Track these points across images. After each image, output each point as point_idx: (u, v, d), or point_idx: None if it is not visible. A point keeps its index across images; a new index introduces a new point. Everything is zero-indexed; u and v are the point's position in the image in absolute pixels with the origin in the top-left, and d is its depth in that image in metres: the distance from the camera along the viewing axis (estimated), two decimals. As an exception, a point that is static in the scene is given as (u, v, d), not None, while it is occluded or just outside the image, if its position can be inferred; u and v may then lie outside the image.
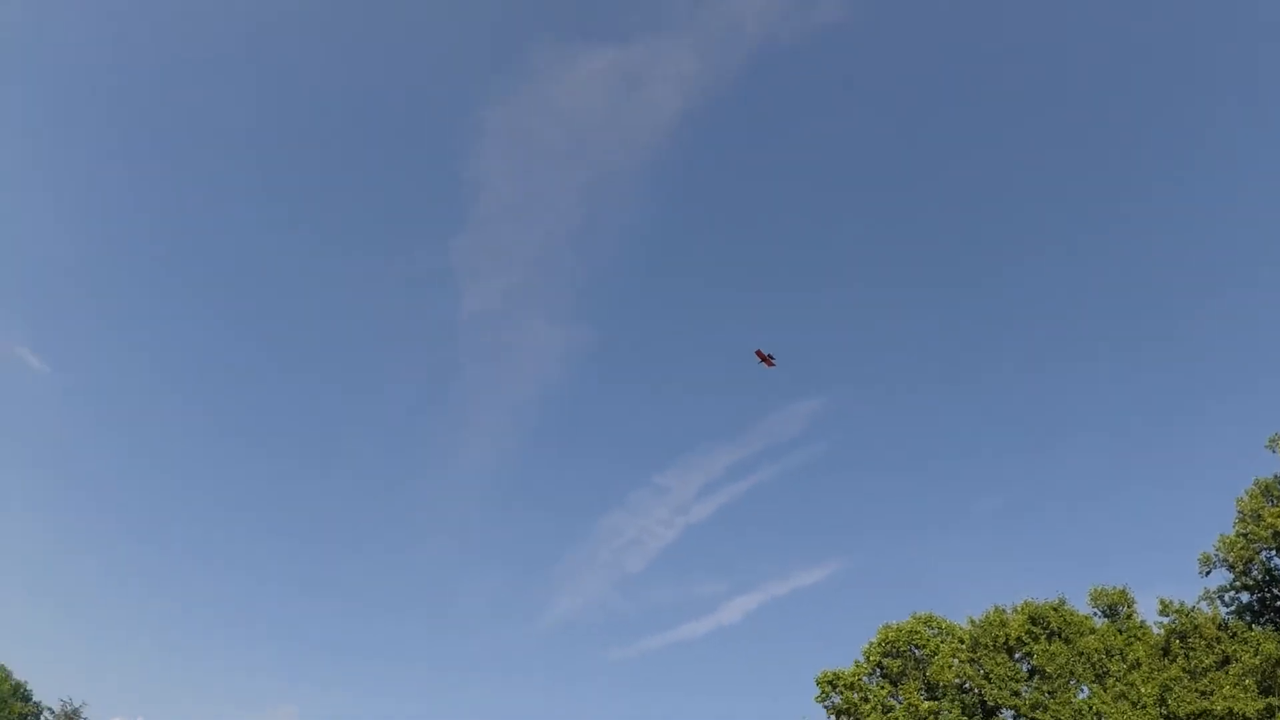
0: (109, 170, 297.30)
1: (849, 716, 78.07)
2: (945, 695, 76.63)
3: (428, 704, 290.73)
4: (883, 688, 78.43)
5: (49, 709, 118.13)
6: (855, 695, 78.27)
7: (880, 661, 79.78)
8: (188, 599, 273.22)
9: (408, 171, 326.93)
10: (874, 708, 76.83)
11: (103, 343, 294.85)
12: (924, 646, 79.79)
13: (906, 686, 77.72)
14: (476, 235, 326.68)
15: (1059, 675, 74.85)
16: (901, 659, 79.65)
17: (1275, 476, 77.59)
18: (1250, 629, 74.58)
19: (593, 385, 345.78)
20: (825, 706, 79.86)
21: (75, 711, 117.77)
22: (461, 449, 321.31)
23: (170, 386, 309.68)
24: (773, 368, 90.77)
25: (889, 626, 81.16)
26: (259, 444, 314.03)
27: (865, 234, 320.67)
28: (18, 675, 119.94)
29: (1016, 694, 75.94)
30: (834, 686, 79.76)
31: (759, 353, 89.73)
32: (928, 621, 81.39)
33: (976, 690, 77.07)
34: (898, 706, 76.76)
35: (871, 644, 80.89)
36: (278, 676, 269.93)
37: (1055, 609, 79.02)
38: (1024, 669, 77.78)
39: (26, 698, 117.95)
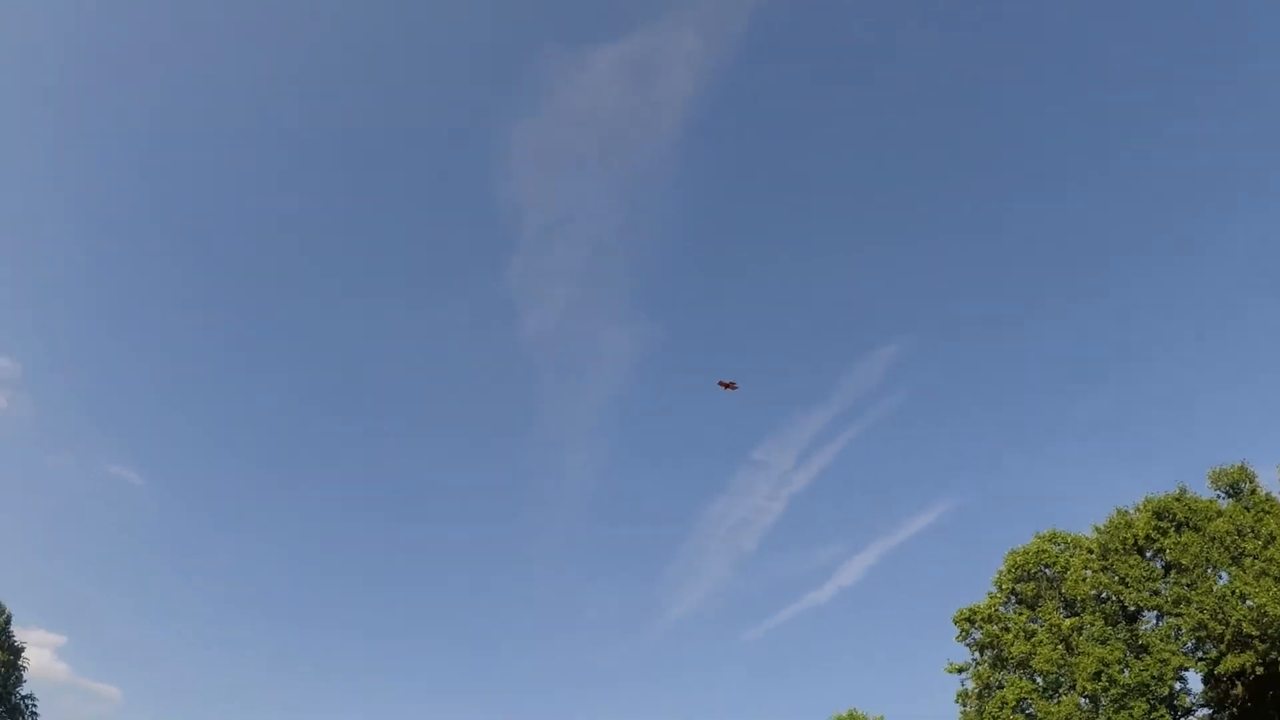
0: (175, 288, 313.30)
1: (992, 649, 79.41)
2: (1084, 609, 76.85)
3: None
4: (1020, 614, 79.11)
5: None
6: (995, 627, 79.37)
7: (1013, 589, 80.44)
8: (323, 664, 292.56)
9: (444, 205, 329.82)
10: (1015, 635, 77.78)
11: (189, 448, 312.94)
12: (1053, 564, 79.90)
13: (1044, 608, 78.33)
14: (525, 255, 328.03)
15: (1195, 566, 73.91)
16: (1033, 581, 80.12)
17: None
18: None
19: (670, 379, 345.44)
20: (967, 645, 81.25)
21: None
22: (554, 468, 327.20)
23: (261, 470, 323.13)
24: (735, 390, 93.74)
25: (1015, 552, 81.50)
26: (359, 509, 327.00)
27: (909, 180, 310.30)
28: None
29: (1155, 593, 75.59)
30: (971, 623, 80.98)
31: (721, 382, 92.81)
32: (1052, 539, 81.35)
33: (1114, 597, 77.05)
34: (1039, 629, 77.45)
35: (1000, 573, 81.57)
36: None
37: (1178, 499, 77.69)
38: (1158, 566, 77.16)
39: None
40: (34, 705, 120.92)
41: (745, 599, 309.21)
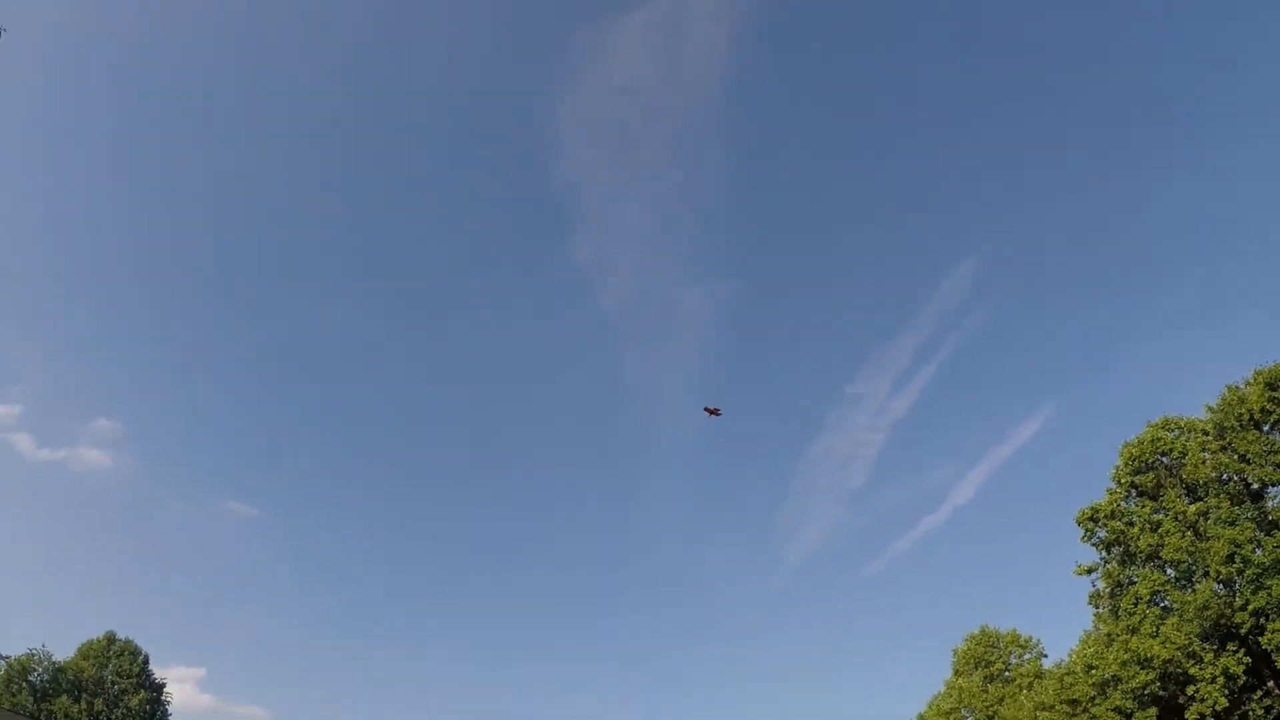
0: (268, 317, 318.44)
1: (1118, 546, 78.38)
2: (1208, 492, 75.21)
3: (709, 675, 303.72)
4: (1143, 506, 77.90)
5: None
6: (1119, 523, 78.28)
7: (1132, 481, 79.08)
8: (456, 643, 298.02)
9: (501, 188, 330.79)
10: (1141, 529, 76.66)
11: (299, 473, 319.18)
12: (1170, 451, 78.26)
13: (1166, 497, 76.91)
14: (590, 228, 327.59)
15: (1315, 432, 72.31)
16: (1152, 471, 78.64)
17: None
18: None
19: (754, 328, 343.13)
20: (1093, 544, 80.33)
21: None
22: (652, 433, 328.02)
23: (369, 468, 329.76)
24: (718, 416, 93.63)
25: (1129, 444, 79.97)
26: (472, 492, 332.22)
27: (953, 92, 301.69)
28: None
29: (1278, 466, 73.95)
30: (1095, 521, 79.92)
31: (706, 409, 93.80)
32: (1165, 426, 79.60)
33: (1237, 476, 75.27)
34: (1164, 519, 76.18)
35: (1117, 467, 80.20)
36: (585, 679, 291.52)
37: (1290, 365, 75.63)
38: (1278, 439, 75.41)
39: None
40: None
41: (861, 533, 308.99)
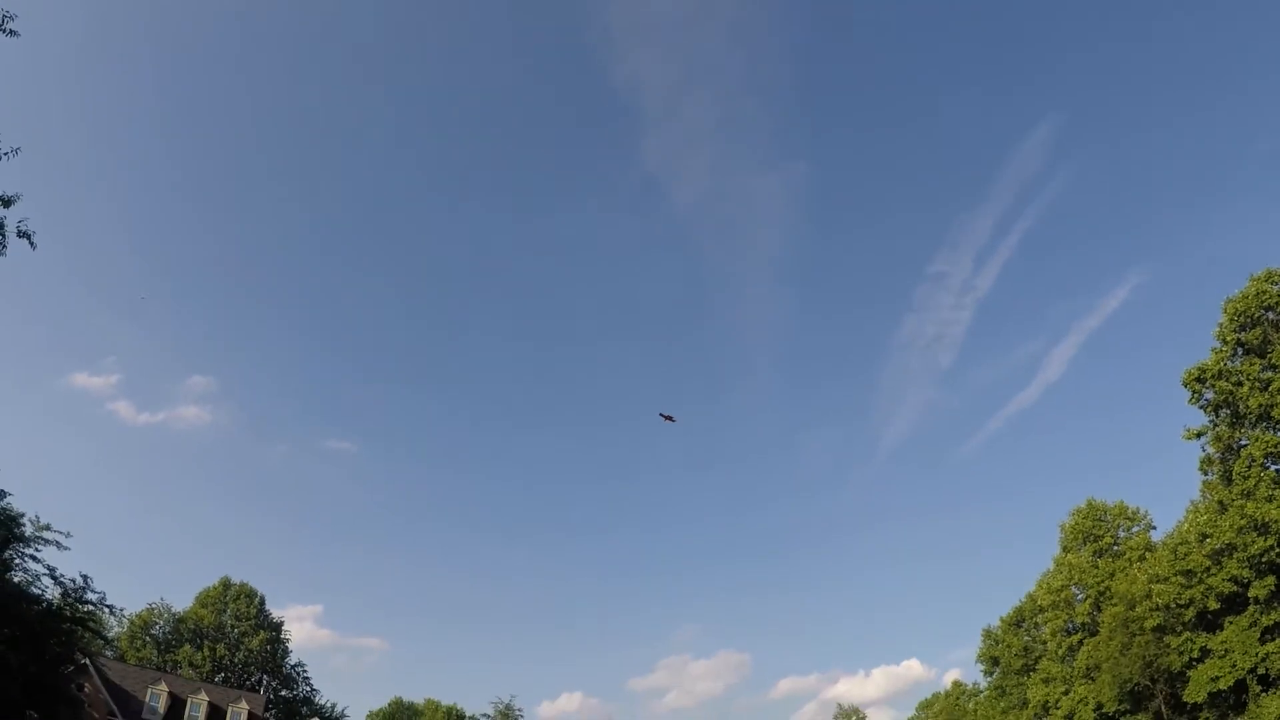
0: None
1: (1228, 407, 73.92)
2: (1320, 343, 70.60)
3: (809, 551, 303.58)
4: (1251, 364, 73.07)
5: None
6: (1226, 383, 73.72)
7: (1238, 339, 74.05)
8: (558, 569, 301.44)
9: (561, 96, 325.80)
10: (1250, 388, 72.03)
11: (393, 407, 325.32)
12: (1276, 305, 73.12)
13: (1275, 352, 71.93)
14: (655, 129, 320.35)
15: None
16: (1258, 327, 73.35)
17: None
18: None
19: (831, 210, 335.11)
20: (1201, 407, 75.94)
21: None
22: (740, 326, 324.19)
23: (461, 401, 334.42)
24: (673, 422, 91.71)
25: (1232, 299, 74.61)
26: (561, 414, 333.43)
27: None
28: None
29: (1396, 306, 68.61)
30: (1201, 383, 75.33)
31: (662, 414, 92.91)
32: (1269, 279, 73.96)
33: (1352, 319, 70.41)
34: (1275, 376, 71.52)
35: (1221, 325, 75.02)
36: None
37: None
38: (1393, 281, 69.74)
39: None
40: (305, 672, 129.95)
41: (954, 414, 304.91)
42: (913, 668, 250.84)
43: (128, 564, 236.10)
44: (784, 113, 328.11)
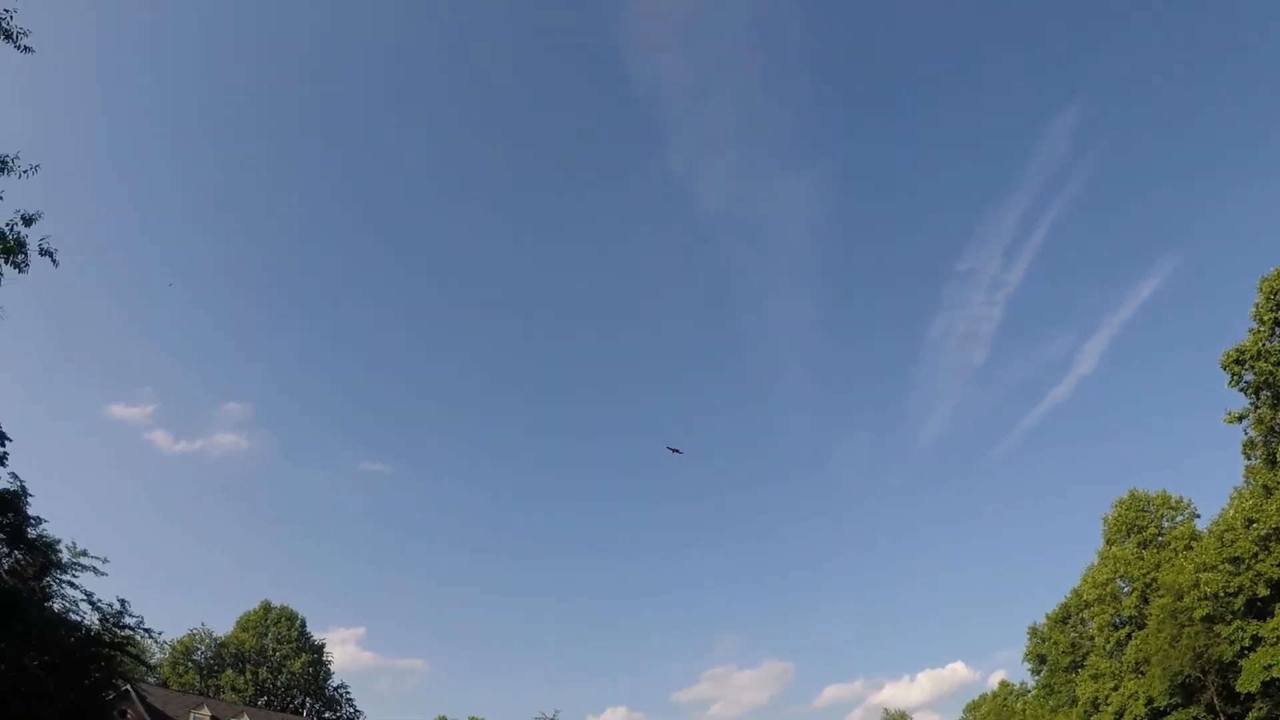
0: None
1: (1268, 389, 72.43)
2: (1361, 319, 69.06)
3: (847, 559, 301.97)
4: (1292, 342, 71.83)
5: None
6: (1266, 364, 72.26)
7: (1275, 318, 72.72)
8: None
9: (581, 100, 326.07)
10: (1290, 367, 70.75)
11: (424, 430, 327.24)
12: (1314, 282, 71.66)
13: (1316, 330, 70.76)
14: (677, 132, 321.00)
15: None
16: (1296, 305, 72.16)
17: None
18: None
19: (855, 212, 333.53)
20: (1240, 389, 74.48)
21: None
22: (769, 329, 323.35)
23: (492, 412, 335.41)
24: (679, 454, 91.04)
25: (1268, 278, 72.89)
26: (592, 446, 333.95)
27: None
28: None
29: None
30: (1241, 364, 73.95)
31: (669, 448, 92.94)
32: (1306, 254, 72.94)
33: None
34: (1316, 354, 70.18)
35: (1258, 305, 73.50)
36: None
37: None
38: None
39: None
40: (347, 693, 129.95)
41: (988, 412, 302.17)
42: (958, 670, 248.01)
43: (169, 592, 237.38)
44: (805, 114, 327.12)
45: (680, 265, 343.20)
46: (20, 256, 27.09)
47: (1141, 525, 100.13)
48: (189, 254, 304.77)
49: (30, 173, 26.37)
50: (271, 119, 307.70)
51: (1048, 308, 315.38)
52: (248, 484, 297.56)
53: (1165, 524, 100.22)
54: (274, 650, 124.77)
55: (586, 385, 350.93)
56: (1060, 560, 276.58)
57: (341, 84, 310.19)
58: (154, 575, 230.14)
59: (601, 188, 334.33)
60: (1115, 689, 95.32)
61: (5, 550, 48.06)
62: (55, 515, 53.98)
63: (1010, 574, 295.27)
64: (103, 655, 54.65)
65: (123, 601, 56.63)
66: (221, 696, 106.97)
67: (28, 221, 26.96)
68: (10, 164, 25.84)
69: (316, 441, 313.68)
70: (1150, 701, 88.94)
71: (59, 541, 52.55)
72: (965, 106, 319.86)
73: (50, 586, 54.50)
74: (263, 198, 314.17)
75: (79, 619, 53.98)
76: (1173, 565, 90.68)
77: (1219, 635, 79.13)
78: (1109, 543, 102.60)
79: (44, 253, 27.38)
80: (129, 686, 78.88)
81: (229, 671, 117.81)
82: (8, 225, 26.86)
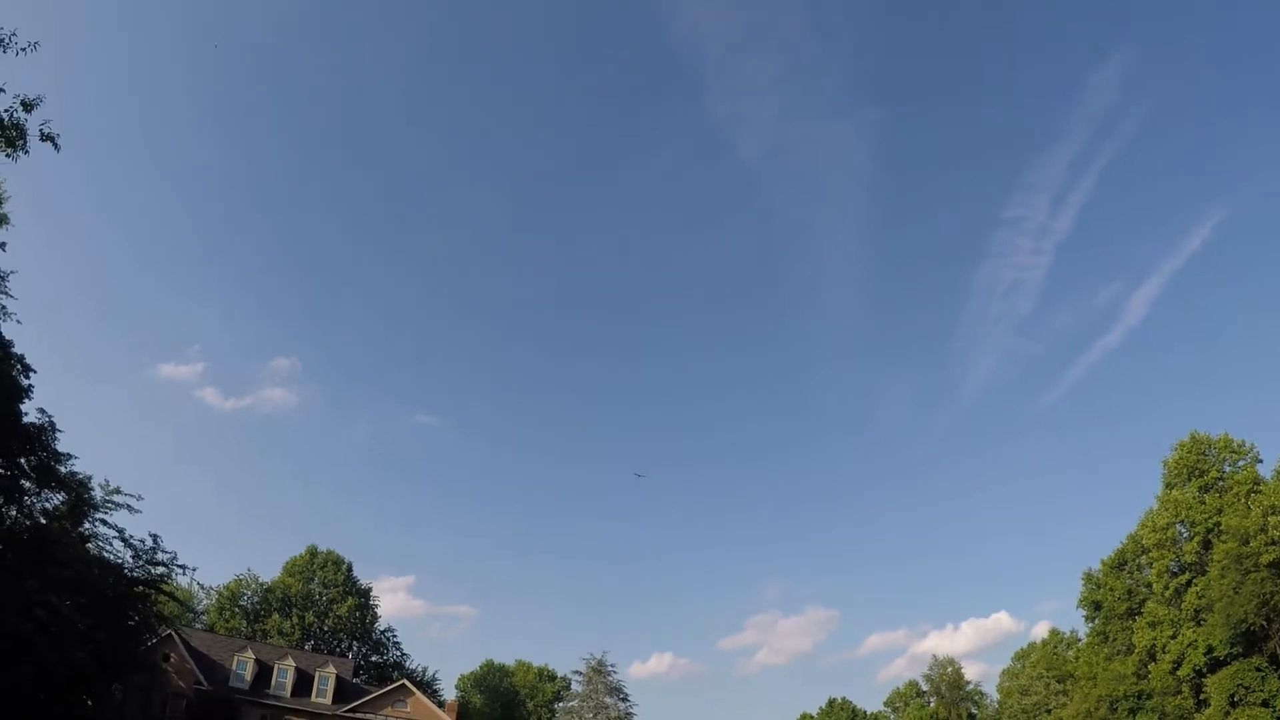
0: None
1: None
2: None
3: (903, 514, 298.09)
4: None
5: None
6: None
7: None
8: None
9: (617, 46, 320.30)
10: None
11: (473, 384, 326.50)
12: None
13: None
14: (718, 79, 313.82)
15: None
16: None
17: None
18: None
19: (902, 156, 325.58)
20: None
21: None
22: (813, 277, 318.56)
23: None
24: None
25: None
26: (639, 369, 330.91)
27: None
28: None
29: None
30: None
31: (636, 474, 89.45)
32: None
33: None
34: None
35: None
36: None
37: None
38: None
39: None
40: (394, 637, 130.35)
41: (1035, 361, 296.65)
42: (1001, 620, 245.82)
43: (222, 546, 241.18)
44: (850, 60, 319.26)
45: (722, 214, 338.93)
46: (20, 141, 26.57)
47: (1203, 469, 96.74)
48: (230, 213, 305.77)
49: (30, 50, 25.06)
50: (310, 78, 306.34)
51: (1096, 256, 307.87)
52: (297, 438, 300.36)
53: (1227, 468, 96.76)
54: (320, 594, 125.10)
55: (628, 338, 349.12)
56: (1106, 512, 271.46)
57: (376, 45, 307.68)
58: (206, 529, 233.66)
59: (641, 138, 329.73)
60: (1173, 637, 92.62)
61: (35, 488, 47.23)
62: (110, 475, 53.13)
63: (1055, 525, 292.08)
64: (137, 595, 54.23)
65: (155, 537, 56.18)
66: (268, 640, 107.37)
67: (27, 107, 26.07)
68: (7, 41, 24.48)
69: (366, 395, 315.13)
70: (1210, 650, 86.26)
71: (90, 478, 51.94)
72: (1013, 50, 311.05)
73: (86, 530, 53.92)
74: (305, 164, 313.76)
75: (112, 558, 53.53)
76: (1236, 509, 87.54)
77: (1287, 581, 76.23)
78: (1169, 487, 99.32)
79: (45, 138, 26.53)
80: (172, 631, 78.97)
81: (275, 616, 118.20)
82: (6, 111, 26.07)
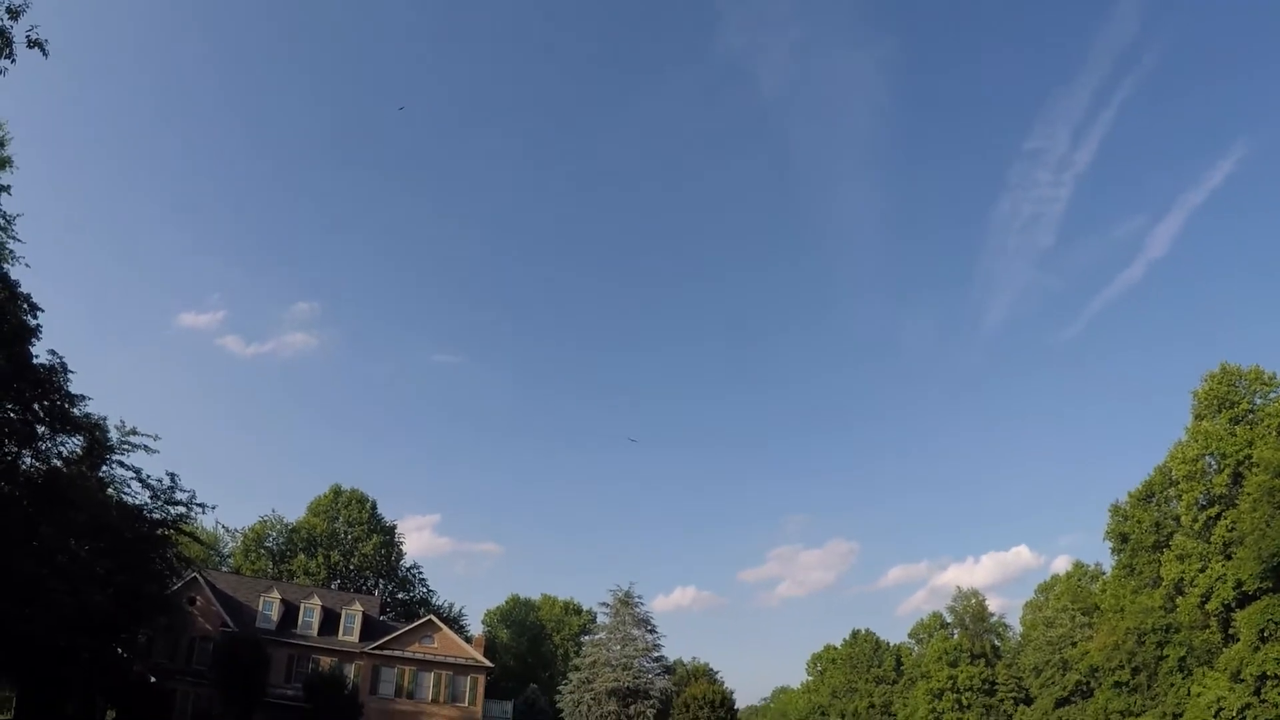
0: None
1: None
2: None
3: (914, 446, 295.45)
4: None
5: None
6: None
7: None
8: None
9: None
10: None
11: (495, 334, 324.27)
12: None
13: None
14: (735, 11, 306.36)
15: None
16: None
17: None
18: None
19: (921, 87, 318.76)
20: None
21: None
22: (832, 210, 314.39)
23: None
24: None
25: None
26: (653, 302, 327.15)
27: None
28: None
29: None
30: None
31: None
32: None
33: None
34: None
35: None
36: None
37: None
38: None
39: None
40: (420, 574, 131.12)
41: (1055, 295, 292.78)
42: (1021, 554, 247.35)
43: (248, 490, 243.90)
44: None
45: (740, 147, 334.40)
46: (6, 49, 26.04)
47: (1234, 400, 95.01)
48: (245, 161, 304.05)
49: None
50: (323, 16, 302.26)
51: (1117, 189, 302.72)
52: (320, 380, 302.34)
53: (1258, 400, 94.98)
54: (345, 533, 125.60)
55: (647, 277, 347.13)
56: (1126, 446, 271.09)
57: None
58: (232, 475, 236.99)
59: (656, 70, 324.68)
60: (1202, 570, 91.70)
61: (48, 432, 46.71)
62: (135, 423, 52.64)
63: (1073, 460, 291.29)
64: (158, 538, 54.01)
65: (173, 476, 55.72)
66: (294, 580, 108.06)
67: (13, 14, 25.43)
68: None
69: (386, 336, 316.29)
70: (1240, 584, 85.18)
71: (105, 419, 51.38)
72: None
73: (104, 475, 53.52)
74: (323, 109, 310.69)
75: (130, 500, 53.20)
76: (1267, 441, 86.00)
77: (1321, 514, 74.87)
78: (1198, 418, 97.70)
79: (33, 44, 25.75)
80: (197, 574, 79.22)
81: (301, 556, 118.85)
82: None
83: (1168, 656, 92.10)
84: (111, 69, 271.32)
